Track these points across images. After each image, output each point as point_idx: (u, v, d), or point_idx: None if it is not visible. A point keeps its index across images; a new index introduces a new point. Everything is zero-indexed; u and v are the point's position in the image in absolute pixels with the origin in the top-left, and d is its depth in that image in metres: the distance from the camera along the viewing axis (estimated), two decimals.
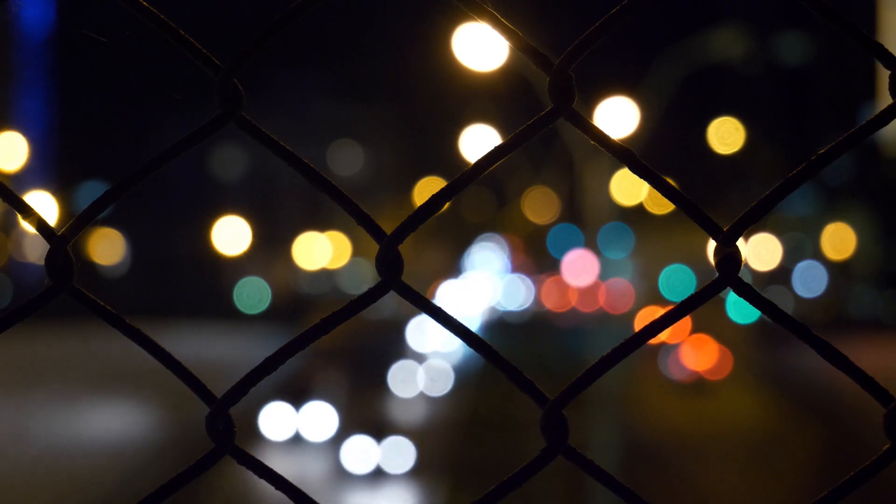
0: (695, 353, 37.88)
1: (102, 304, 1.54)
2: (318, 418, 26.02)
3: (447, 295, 54.40)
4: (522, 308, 62.08)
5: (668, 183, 1.53)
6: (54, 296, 1.54)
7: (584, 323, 32.74)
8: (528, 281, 64.94)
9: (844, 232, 61.03)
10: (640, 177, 1.53)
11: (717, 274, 1.54)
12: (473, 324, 50.06)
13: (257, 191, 66.46)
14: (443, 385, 31.29)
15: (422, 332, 38.88)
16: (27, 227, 1.60)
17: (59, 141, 65.19)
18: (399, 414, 29.27)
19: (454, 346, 38.21)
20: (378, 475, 22.92)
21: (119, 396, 31.36)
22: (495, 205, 66.57)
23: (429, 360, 31.68)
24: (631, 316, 26.03)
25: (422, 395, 31.07)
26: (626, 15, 1.51)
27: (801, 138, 63.98)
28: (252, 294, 61.57)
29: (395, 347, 38.05)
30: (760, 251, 54.07)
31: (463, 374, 33.45)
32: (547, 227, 59.19)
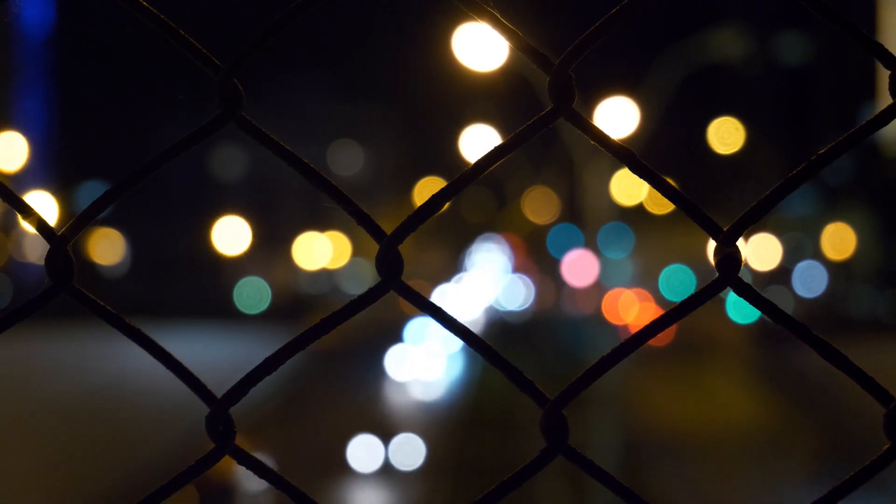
0: (640, 322, 37.90)
1: (102, 304, 1.54)
2: None
3: (447, 295, 54.32)
4: (522, 308, 62.07)
5: (668, 183, 1.53)
6: (54, 296, 1.54)
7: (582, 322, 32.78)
8: (529, 281, 64.95)
9: (844, 232, 61.00)
10: (640, 177, 1.53)
11: (717, 274, 1.54)
12: (473, 324, 49.89)
13: (257, 191, 66.45)
14: (413, 460, 25.13)
15: (401, 360, 36.16)
16: (27, 227, 1.60)
17: (59, 141, 65.18)
18: None
19: (437, 376, 35.78)
20: None
21: None
22: (495, 205, 66.56)
23: (399, 437, 26.00)
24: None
25: (387, 468, 24.63)
26: (626, 15, 1.51)
27: (801, 138, 63.95)
28: (252, 294, 61.56)
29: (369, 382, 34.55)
30: (760, 251, 54.06)
31: (439, 449, 26.83)
32: (547, 227, 59.20)
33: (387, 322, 37.86)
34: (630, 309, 46.62)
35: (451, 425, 28.48)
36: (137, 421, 28.23)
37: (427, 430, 27.14)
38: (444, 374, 36.54)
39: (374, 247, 1.53)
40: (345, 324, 1.55)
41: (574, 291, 47.81)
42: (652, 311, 42.89)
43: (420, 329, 37.85)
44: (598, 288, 26.75)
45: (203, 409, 1.55)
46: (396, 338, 37.70)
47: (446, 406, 31.19)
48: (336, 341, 35.86)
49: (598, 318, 25.44)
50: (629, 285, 50.72)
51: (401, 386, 34.40)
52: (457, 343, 39.02)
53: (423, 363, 35.83)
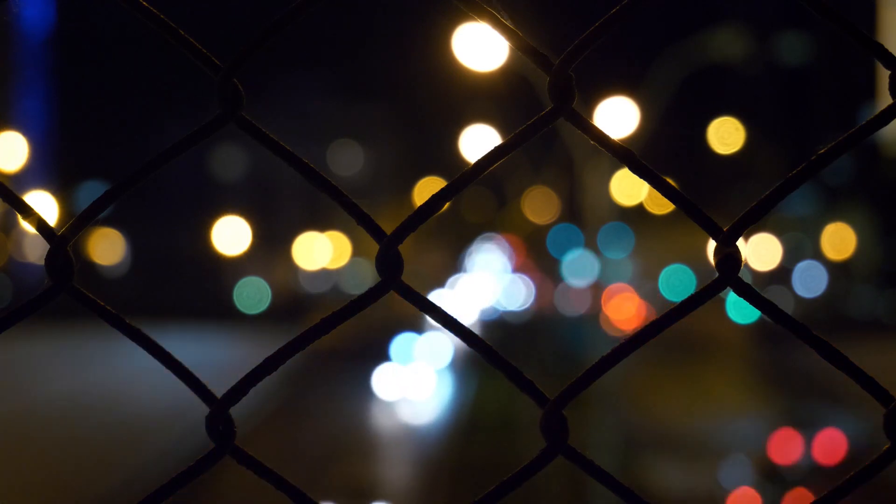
0: (621, 313, 37.68)
1: (102, 304, 1.54)
2: None
3: (447, 295, 54.23)
4: (522, 308, 62.07)
5: (668, 183, 1.53)
6: (54, 296, 1.54)
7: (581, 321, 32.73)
8: (529, 281, 64.97)
9: (844, 232, 61.04)
10: (640, 177, 1.53)
11: (717, 274, 1.54)
12: (473, 324, 49.79)
13: (257, 191, 66.48)
14: None
15: (389, 378, 33.75)
16: (27, 227, 1.60)
17: (59, 141, 65.22)
18: None
19: (427, 393, 33.55)
20: None
21: None
22: (495, 205, 66.58)
23: None
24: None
25: None
26: (626, 15, 1.51)
27: (801, 138, 63.99)
28: (252, 294, 61.57)
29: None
30: (760, 251, 54.07)
31: None
32: (547, 227, 59.20)
33: (379, 324, 36.85)
34: (610, 302, 46.13)
35: (443, 444, 28.17)
36: (137, 421, 28.23)
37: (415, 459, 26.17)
38: (434, 392, 34.37)
39: (374, 247, 1.53)
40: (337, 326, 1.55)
41: (566, 290, 47.77)
42: (633, 304, 42.49)
43: (407, 345, 36.22)
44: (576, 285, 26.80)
45: (203, 408, 1.55)
46: (384, 355, 35.87)
47: (436, 430, 29.93)
48: (334, 341, 34.67)
49: (580, 313, 25.48)
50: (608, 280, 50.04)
51: (389, 406, 32.28)
52: (444, 359, 37.40)
53: (412, 382, 33.78)
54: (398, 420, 30.21)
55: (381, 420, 30.44)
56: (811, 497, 21.07)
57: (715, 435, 27.73)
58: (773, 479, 21.35)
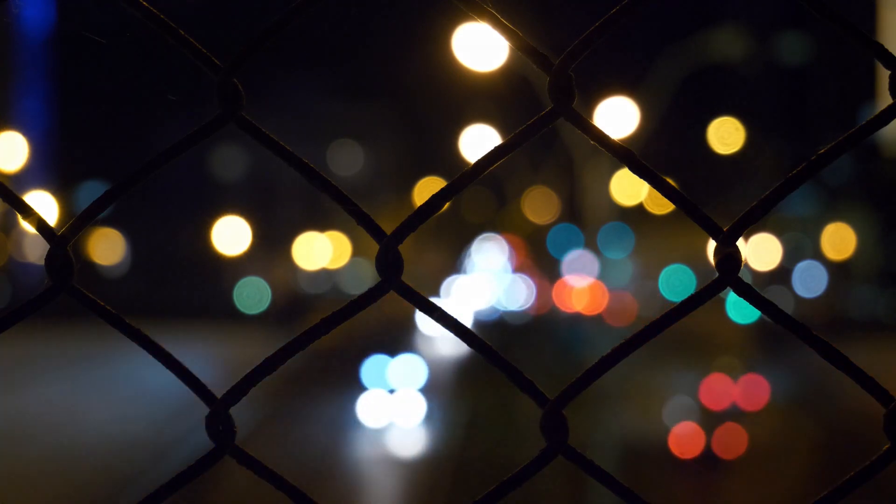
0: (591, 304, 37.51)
1: (102, 304, 1.54)
2: None
3: (447, 294, 54.13)
4: (523, 308, 62.05)
5: (668, 183, 1.53)
6: (54, 296, 1.54)
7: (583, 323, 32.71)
8: (529, 281, 64.96)
9: (844, 232, 61.02)
10: (640, 177, 1.53)
11: (717, 274, 1.54)
12: (473, 323, 49.69)
13: (257, 191, 66.44)
14: None
15: (372, 404, 31.29)
16: (27, 227, 1.60)
17: (59, 141, 65.19)
18: None
19: (418, 418, 30.93)
20: None
21: None
22: (495, 205, 66.56)
23: None
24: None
25: None
26: (627, 15, 1.51)
27: (801, 138, 63.98)
28: (252, 294, 61.53)
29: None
30: (760, 251, 54.05)
31: None
32: (547, 227, 59.19)
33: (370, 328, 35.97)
34: (578, 294, 45.68)
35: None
36: (137, 421, 28.22)
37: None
38: (422, 416, 32.17)
39: (374, 247, 1.53)
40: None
41: (565, 290, 47.62)
42: (594, 288, 41.92)
43: (380, 369, 33.90)
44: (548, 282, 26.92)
45: (203, 408, 1.55)
46: (357, 380, 33.15)
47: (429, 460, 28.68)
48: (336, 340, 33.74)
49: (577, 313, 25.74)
50: (573, 273, 49.27)
51: (374, 434, 29.42)
52: (419, 381, 34.99)
53: (397, 407, 31.70)
54: (387, 448, 28.54)
55: (369, 449, 28.47)
56: (740, 431, 24.95)
57: (661, 386, 28.49)
58: (707, 418, 24.10)
